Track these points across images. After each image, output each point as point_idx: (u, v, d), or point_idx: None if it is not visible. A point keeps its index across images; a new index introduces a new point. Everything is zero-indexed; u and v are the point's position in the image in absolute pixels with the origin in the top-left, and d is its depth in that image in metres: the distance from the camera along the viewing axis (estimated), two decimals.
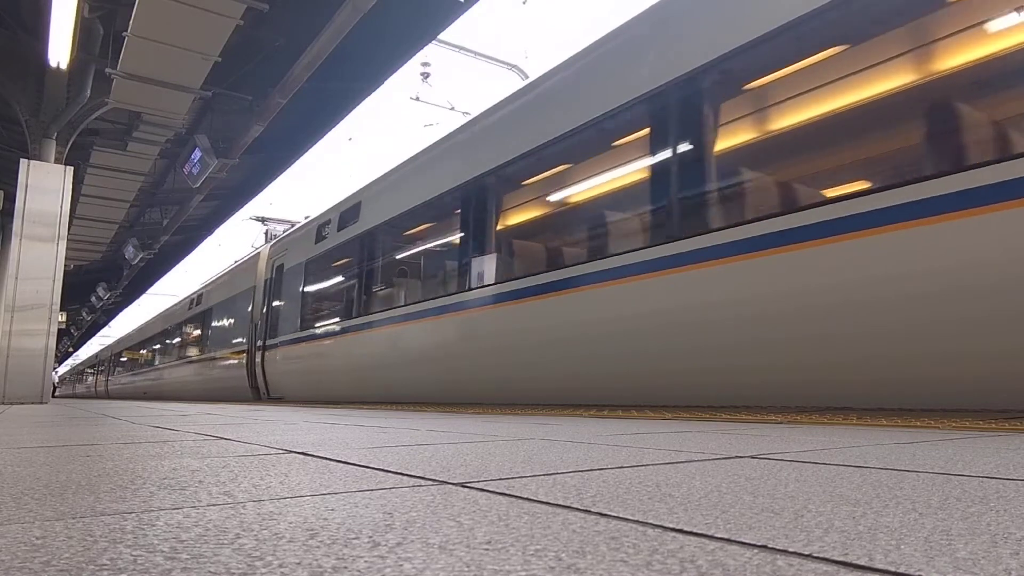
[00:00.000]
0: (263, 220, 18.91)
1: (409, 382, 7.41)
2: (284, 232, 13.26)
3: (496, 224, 6.33)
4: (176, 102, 9.85)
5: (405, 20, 9.80)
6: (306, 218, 12.12)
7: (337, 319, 9.03)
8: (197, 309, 16.16)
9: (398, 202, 7.96)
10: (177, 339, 18.18)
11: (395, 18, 9.55)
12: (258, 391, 11.75)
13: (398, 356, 7.48)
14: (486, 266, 6.24)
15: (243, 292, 12.91)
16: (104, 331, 43.35)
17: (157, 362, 20.70)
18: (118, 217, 17.47)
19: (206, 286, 16.20)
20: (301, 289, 10.23)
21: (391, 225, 8.11)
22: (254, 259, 13.00)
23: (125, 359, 26.73)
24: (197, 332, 16.16)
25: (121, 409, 6.79)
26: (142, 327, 24.35)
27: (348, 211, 9.22)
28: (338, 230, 9.31)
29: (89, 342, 48.55)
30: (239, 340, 12.70)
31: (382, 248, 8.34)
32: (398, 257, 8.10)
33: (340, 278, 9.35)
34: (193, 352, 16.24)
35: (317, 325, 9.66)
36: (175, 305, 19.56)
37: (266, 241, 16.66)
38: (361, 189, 9.15)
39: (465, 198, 6.73)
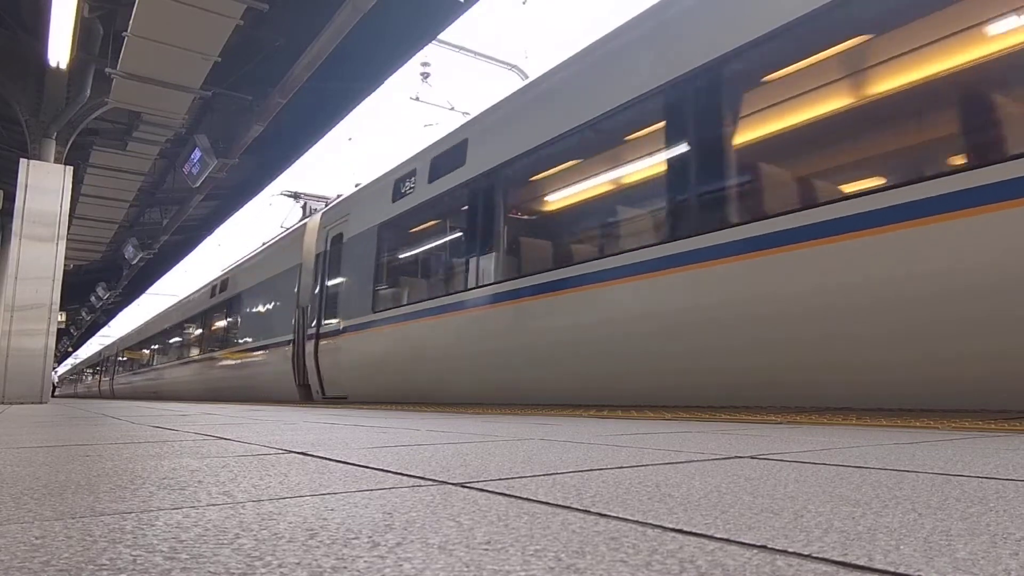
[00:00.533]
0: (297, 195, 16.20)
1: (573, 376, 5.33)
2: (335, 199, 11.15)
3: (731, 142, 4.30)
4: (176, 102, 9.85)
5: (405, 20, 9.81)
6: (357, 186, 10.17)
7: (440, 293, 6.90)
8: (221, 297, 14.27)
9: (536, 130, 5.87)
10: (195, 332, 16.34)
11: (395, 18, 9.56)
12: (308, 389, 9.75)
13: (554, 341, 5.38)
14: (714, 203, 4.33)
15: (284, 273, 10.97)
16: (104, 331, 43.38)
17: (171, 359, 18.61)
18: (118, 217, 17.47)
19: (231, 270, 14.36)
20: (375, 260, 8.18)
21: (529, 161, 5.93)
22: (297, 233, 11.06)
23: (132, 356, 24.80)
24: (221, 323, 14.28)
25: (121, 409, 6.78)
26: (151, 321, 22.42)
27: (445, 155, 7.18)
28: (430, 181, 7.29)
29: (89, 342, 48.60)
30: (280, 330, 10.74)
31: (512, 195, 6.18)
32: (544, 205, 5.89)
33: (439, 240, 7.35)
34: (216, 346, 14.27)
35: (405, 303, 7.55)
36: (192, 294, 17.56)
37: (305, 215, 14.71)
38: (466, 124, 7.16)
39: (673, 105, 4.65)
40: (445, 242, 7.21)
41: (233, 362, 12.95)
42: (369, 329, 8.07)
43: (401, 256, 8.06)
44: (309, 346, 9.49)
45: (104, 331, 43.34)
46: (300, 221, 13.06)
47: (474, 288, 6.30)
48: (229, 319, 13.74)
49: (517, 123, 6.25)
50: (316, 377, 9.31)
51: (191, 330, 16.81)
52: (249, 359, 12.02)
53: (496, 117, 6.66)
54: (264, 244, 13.74)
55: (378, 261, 8.20)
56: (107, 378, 29.46)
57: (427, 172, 7.44)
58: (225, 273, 14.83)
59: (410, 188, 7.74)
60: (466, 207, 6.68)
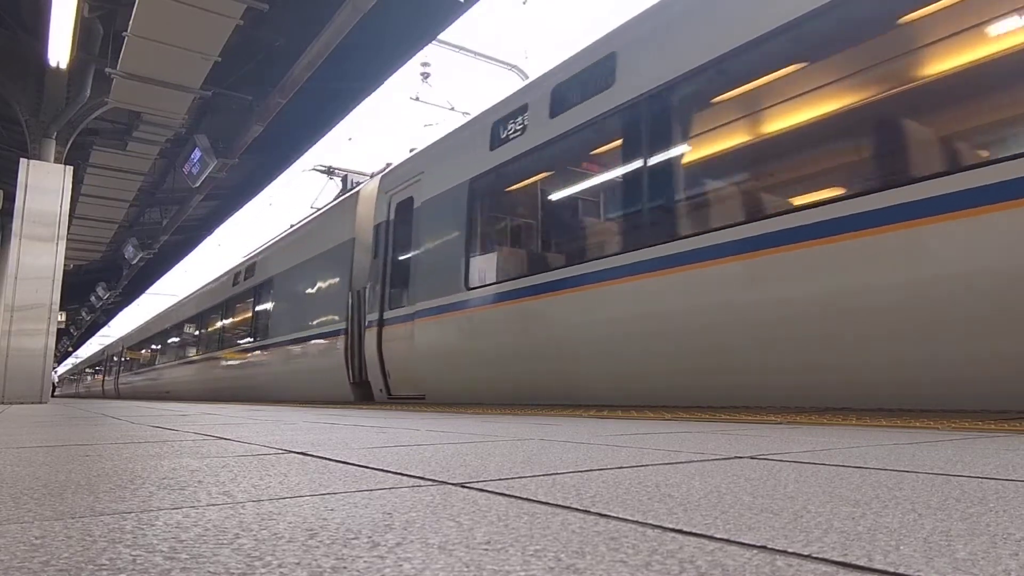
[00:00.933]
0: (331, 170, 14.03)
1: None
2: (400, 160, 8.71)
3: None
4: (176, 102, 9.87)
5: (405, 20, 9.81)
6: (411, 151, 8.62)
7: (598, 255, 5.11)
8: (247, 284, 12.62)
9: (740, 23, 4.29)
10: (213, 326, 14.66)
11: (395, 18, 9.56)
12: (365, 388, 8.19)
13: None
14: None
15: (330, 252, 9.34)
16: (104, 331, 43.42)
17: (184, 356, 16.82)
18: (118, 217, 17.48)
19: (259, 253, 12.76)
20: (465, 224, 6.51)
21: (732, 66, 4.34)
22: (347, 204, 9.43)
23: (140, 353, 23.01)
24: (246, 314, 12.65)
25: (121, 409, 6.78)
26: (161, 315, 20.62)
27: (577, 80, 5.59)
28: (553, 115, 5.70)
29: (89, 342, 48.62)
30: (326, 319, 9.10)
31: (710, 115, 4.58)
32: (773, 121, 4.16)
33: (583, 186, 5.63)
34: (240, 341, 12.63)
35: (525, 274, 5.78)
36: (210, 283, 15.83)
37: (345, 189, 12.43)
38: (610, 35, 5.47)
39: None
40: (595, 186, 5.46)
41: (262, 359, 11.29)
42: (462, 311, 6.38)
43: (510, 215, 6.41)
44: (370, 336, 7.84)
45: (104, 331, 43.40)
46: (343, 193, 11.30)
47: (662, 242, 4.49)
48: (257, 309, 12.04)
49: (709, 15, 4.59)
50: (380, 373, 7.67)
51: (208, 323, 15.07)
52: (284, 354, 10.40)
53: (668, 15, 5.00)
54: (300, 221, 11.88)
55: (471, 225, 6.49)
56: (111, 377, 28.08)
57: (546, 105, 5.81)
58: (250, 257, 13.14)
59: (518, 129, 6.09)
60: (632, 140, 4.95)
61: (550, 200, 5.96)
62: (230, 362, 13.03)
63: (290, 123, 12.41)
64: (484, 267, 6.31)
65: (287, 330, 10.39)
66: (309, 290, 9.90)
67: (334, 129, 13.79)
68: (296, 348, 9.99)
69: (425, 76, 15.67)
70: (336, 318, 8.78)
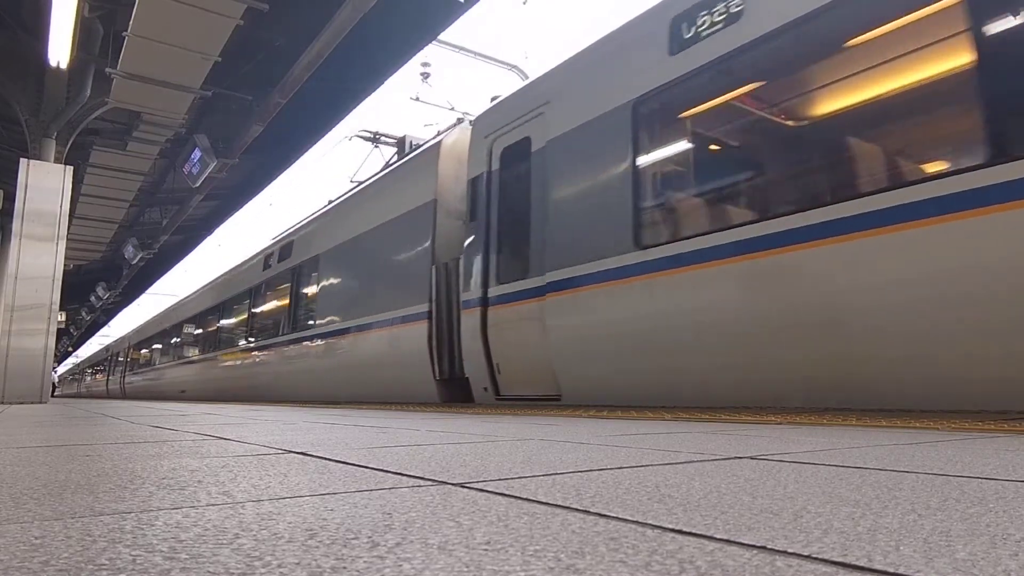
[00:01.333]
0: (376, 136, 12.03)
1: None
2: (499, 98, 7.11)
3: None
4: (176, 102, 9.88)
5: (405, 20, 9.82)
6: (494, 99, 7.23)
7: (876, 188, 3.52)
8: (283, 265, 10.97)
9: None
10: (241, 316, 12.91)
11: (395, 18, 9.57)
12: (458, 386, 6.71)
13: None
14: None
15: (401, 219, 7.76)
16: (104, 331, 43.46)
17: (206, 350, 14.90)
18: (118, 217, 17.50)
19: (302, 227, 11.02)
20: (629, 162, 4.90)
21: None
22: (425, 159, 7.80)
23: (150, 349, 21.20)
24: (283, 300, 10.90)
25: (121, 409, 6.78)
26: (176, 307, 18.86)
27: None
28: None
29: (89, 342, 48.65)
30: (399, 300, 7.45)
31: None
32: None
33: (837, 97, 3.85)
34: (279, 333, 10.82)
35: (739, 225, 4.13)
36: (234, 269, 14.22)
37: (400, 155, 10.74)
38: None
39: None
40: (883, 88, 3.62)
41: (305, 353, 9.68)
42: (631, 278, 4.73)
43: (721, 144, 4.66)
44: (468, 321, 6.27)
45: (104, 331, 43.44)
46: (396, 161, 9.68)
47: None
48: (299, 294, 10.34)
49: None
50: (485, 367, 6.07)
51: (233, 314, 13.44)
52: (336, 348, 8.77)
53: None
54: (348, 191, 10.28)
55: (637, 163, 4.87)
56: (116, 376, 26.28)
57: None
58: (286, 236, 11.56)
59: (722, 17, 4.43)
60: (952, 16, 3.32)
61: (797, 111, 4.12)
62: (263, 358, 11.26)
63: (290, 123, 12.42)
64: (675, 216, 4.70)
65: (341, 318, 8.72)
66: (372, 268, 8.35)
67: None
68: (354, 339, 8.34)
69: (425, 76, 15.66)
70: (414, 299, 7.16)
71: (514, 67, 15.11)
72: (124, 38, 8.24)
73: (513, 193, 6.05)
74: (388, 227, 8.02)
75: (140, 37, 8.12)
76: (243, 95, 11.07)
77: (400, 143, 11.52)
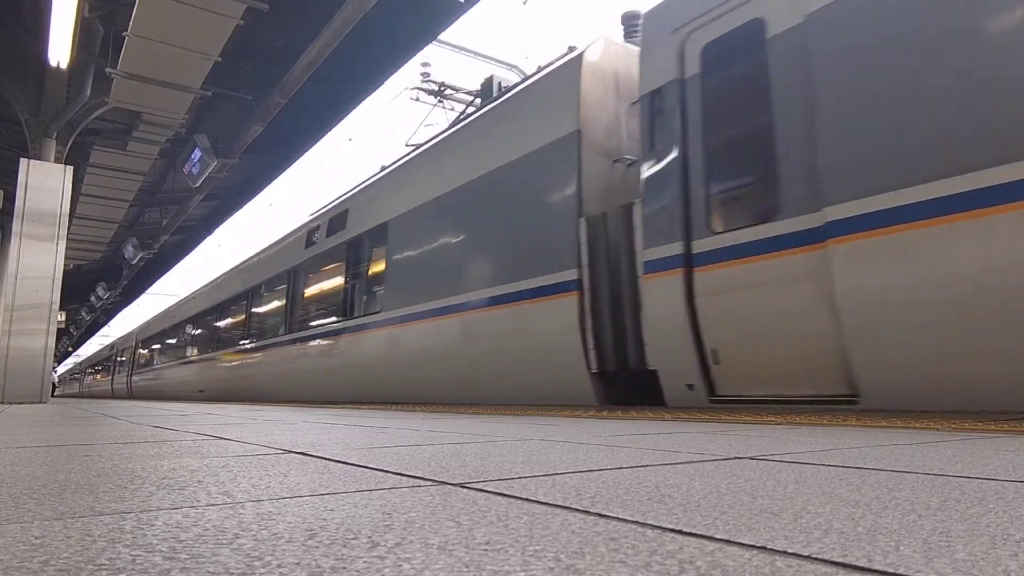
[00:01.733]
0: (441, 89, 10.26)
1: None
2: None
3: None
4: (176, 102, 9.88)
5: (405, 20, 9.82)
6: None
7: None
8: (339, 239, 9.15)
9: None
10: (279, 302, 11.00)
11: (395, 18, 9.57)
12: (629, 385, 5.34)
13: None
14: None
15: (520, 162, 6.10)
16: (104, 331, 43.47)
17: (235, 344, 12.78)
18: (118, 217, 17.50)
19: (357, 194, 9.30)
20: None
21: None
22: (561, 78, 5.99)
23: (162, 345, 19.15)
24: (337, 280, 9.12)
25: (121, 409, 6.78)
26: (195, 296, 16.66)
27: None
28: None
29: (88, 342, 48.65)
30: (527, 268, 5.79)
31: None
32: None
33: None
34: (348, 315, 8.72)
35: None
36: (266, 250, 12.32)
37: (463, 117, 8.83)
38: None
39: None
40: None
41: (376, 343, 7.86)
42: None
43: None
44: (659, 288, 4.67)
45: (104, 331, 43.45)
46: (459, 122, 8.17)
47: None
48: (355, 272, 8.70)
49: None
50: (691, 355, 4.44)
51: (265, 301, 11.66)
52: (418, 336, 7.10)
53: None
54: (429, 139, 8.44)
55: None
56: (122, 375, 24.42)
57: None
58: (337, 203, 9.85)
59: None
60: None
61: None
62: (314, 349, 9.43)
63: (290, 123, 12.42)
64: None
65: (425, 298, 7.01)
66: (473, 231, 6.59)
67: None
68: (442, 325, 6.72)
69: (425, 76, 15.66)
70: (550, 265, 5.56)
71: (514, 67, 15.10)
72: (124, 38, 8.24)
73: (734, 102, 4.44)
74: (498, 175, 6.36)
75: (140, 37, 8.12)
76: (243, 95, 11.07)
77: (486, 85, 9.32)
